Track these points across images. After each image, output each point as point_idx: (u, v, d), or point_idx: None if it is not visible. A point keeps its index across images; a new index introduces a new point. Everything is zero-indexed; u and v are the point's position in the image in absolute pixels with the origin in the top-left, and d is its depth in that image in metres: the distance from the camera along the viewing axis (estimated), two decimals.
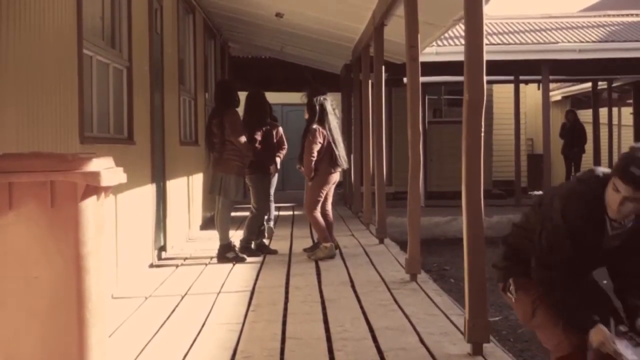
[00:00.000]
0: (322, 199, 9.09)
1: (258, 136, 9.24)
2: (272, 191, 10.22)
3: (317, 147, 8.77)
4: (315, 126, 8.85)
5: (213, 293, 7.04)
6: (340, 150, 8.96)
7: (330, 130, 8.89)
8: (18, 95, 4.50)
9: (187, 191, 11.36)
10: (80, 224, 3.52)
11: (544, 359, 7.22)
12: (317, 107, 8.94)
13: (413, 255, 7.63)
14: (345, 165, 9.22)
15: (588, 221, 3.71)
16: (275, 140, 9.94)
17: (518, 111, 19.26)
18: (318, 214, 9.04)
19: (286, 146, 10.32)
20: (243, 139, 8.74)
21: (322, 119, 8.90)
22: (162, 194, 9.33)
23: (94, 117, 6.58)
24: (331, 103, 9.22)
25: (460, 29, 12.20)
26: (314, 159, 8.81)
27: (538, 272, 3.79)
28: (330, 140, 8.85)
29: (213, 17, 14.36)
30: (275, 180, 10.33)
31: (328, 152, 8.87)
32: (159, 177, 9.13)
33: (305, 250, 9.49)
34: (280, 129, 10.32)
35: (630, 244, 3.81)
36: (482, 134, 4.94)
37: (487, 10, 5.18)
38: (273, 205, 10.75)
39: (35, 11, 4.84)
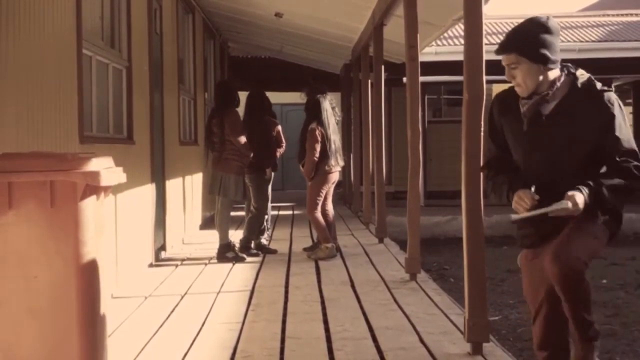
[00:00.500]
0: (321, 199, 9.10)
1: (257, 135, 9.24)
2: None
3: (319, 147, 8.80)
4: (313, 126, 8.87)
5: (213, 292, 7.04)
6: (333, 148, 8.96)
7: (325, 127, 8.91)
8: (18, 95, 4.50)
9: (187, 191, 11.37)
10: (79, 224, 3.52)
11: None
12: (313, 105, 8.99)
13: (413, 254, 7.64)
14: (341, 162, 9.23)
15: (504, 113, 4.13)
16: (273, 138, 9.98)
17: None
18: (319, 214, 9.05)
19: (284, 144, 10.33)
20: (242, 139, 8.74)
21: (319, 117, 8.92)
22: (162, 193, 9.33)
23: (93, 117, 6.58)
24: (330, 101, 9.24)
25: (459, 29, 12.22)
26: (317, 159, 8.85)
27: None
28: (325, 138, 8.88)
29: (212, 17, 14.37)
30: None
31: (324, 150, 8.89)
32: (159, 177, 9.14)
33: (305, 249, 9.49)
34: (279, 127, 10.33)
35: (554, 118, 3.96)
36: (482, 134, 4.94)
37: (487, 10, 5.18)
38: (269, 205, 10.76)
39: (35, 11, 4.85)
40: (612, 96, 3.95)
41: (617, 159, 3.86)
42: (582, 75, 4.02)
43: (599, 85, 3.98)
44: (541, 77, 3.96)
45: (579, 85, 3.97)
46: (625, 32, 18.82)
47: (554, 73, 3.98)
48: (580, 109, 3.91)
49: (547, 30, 4.03)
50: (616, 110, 3.92)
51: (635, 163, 3.87)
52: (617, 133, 3.87)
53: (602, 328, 8.28)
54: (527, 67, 3.94)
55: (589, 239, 3.90)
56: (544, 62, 3.93)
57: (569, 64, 4.09)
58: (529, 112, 4.00)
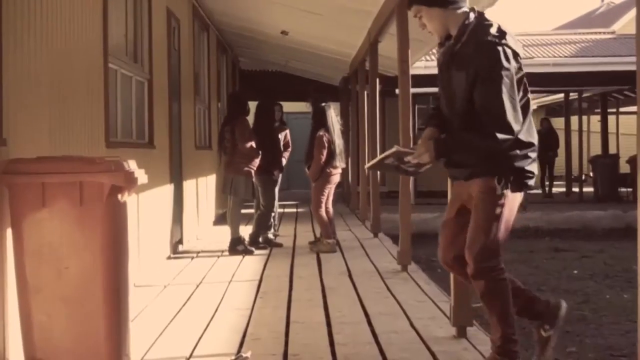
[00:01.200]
0: (325, 198, 9.13)
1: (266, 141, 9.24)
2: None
3: (325, 152, 8.85)
4: (320, 132, 8.90)
5: (225, 282, 7.04)
6: (337, 150, 9.01)
7: (331, 133, 8.95)
8: (51, 105, 4.51)
9: (202, 190, 11.37)
10: (106, 220, 3.53)
11: (521, 342, 7.23)
12: (319, 113, 9.04)
13: (404, 247, 7.64)
14: (342, 164, 9.26)
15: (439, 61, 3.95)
16: (282, 142, 10.05)
17: None
18: (323, 212, 9.08)
19: (291, 147, 10.42)
20: (249, 144, 8.75)
21: (325, 124, 8.95)
22: (179, 193, 9.33)
23: (118, 124, 6.58)
24: (334, 110, 9.30)
25: None
26: (323, 163, 8.91)
27: None
28: (331, 142, 8.92)
29: (225, 34, 14.38)
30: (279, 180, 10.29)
31: (329, 154, 8.93)
32: (177, 178, 9.14)
33: (310, 243, 9.48)
34: (287, 131, 10.40)
35: (450, 63, 3.81)
36: None
37: None
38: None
39: (66, 30, 4.85)
40: (491, 46, 3.66)
41: (482, 114, 3.66)
42: (482, 19, 3.77)
43: (490, 32, 3.69)
44: (447, 21, 3.78)
45: (477, 29, 3.73)
46: (594, 49, 18.83)
47: (462, 16, 3.76)
48: (468, 55, 3.69)
49: None
50: (489, 62, 3.64)
51: (492, 119, 3.64)
52: (480, 85, 3.64)
53: (573, 314, 8.30)
54: (427, 13, 3.81)
55: (487, 230, 3.75)
56: (439, 5, 3.76)
57: (480, 12, 3.85)
58: (441, 57, 3.90)
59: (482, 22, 3.74)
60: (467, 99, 3.69)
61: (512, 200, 3.81)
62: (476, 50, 3.66)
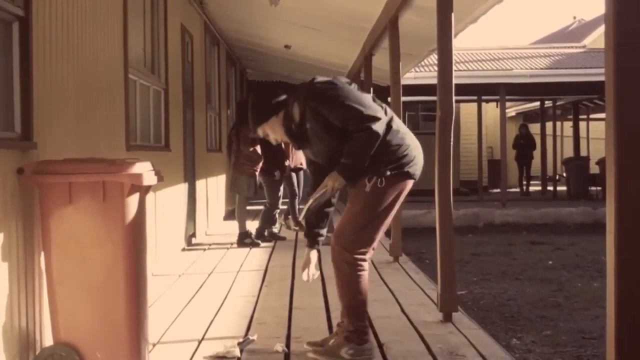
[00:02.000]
0: None
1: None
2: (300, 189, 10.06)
3: None
4: None
5: (233, 272, 7.04)
6: None
7: None
8: (77, 112, 4.50)
9: (213, 189, 11.37)
10: (126, 216, 3.52)
11: (501, 326, 7.23)
12: None
13: (396, 241, 7.64)
14: None
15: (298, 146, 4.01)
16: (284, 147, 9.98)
17: (480, 125, 19.28)
18: None
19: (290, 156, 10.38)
20: (249, 148, 8.77)
21: None
22: (193, 191, 9.33)
23: (137, 129, 6.58)
24: None
25: (433, 58, 12.20)
26: None
27: None
28: None
29: (234, 48, 14.38)
30: (301, 180, 10.11)
31: None
32: (190, 178, 9.14)
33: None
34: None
35: (305, 138, 3.87)
36: (451, 144, 4.93)
37: (456, 42, 5.16)
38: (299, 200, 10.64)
39: (91, 45, 4.85)
40: (317, 88, 3.75)
41: (348, 127, 3.65)
42: (301, 92, 3.83)
43: (308, 90, 3.78)
44: (278, 124, 3.88)
45: (302, 102, 3.79)
46: (567, 61, 18.84)
47: (291, 101, 3.84)
48: (307, 120, 3.76)
49: (260, 100, 3.95)
50: (322, 100, 3.70)
51: (356, 121, 3.63)
52: (331, 116, 3.68)
53: (548, 301, 8.30)
54: (269, 126, 3.91)
55: (352, 220, 3.76)
56: (273, 114, 3.87)
57: (298, 88, 3.92)
58: (295, 146, 4.03)
59: (305, 92, 3.79)
60: (334, 141, 3.72)
61: (384, 197, 3.75)
62: (310, 108, 3.73)
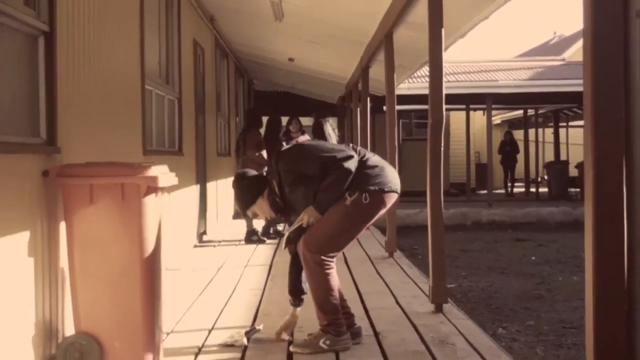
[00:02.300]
0: None
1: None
2: None
3: None
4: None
5: (241, 266, 7.03)
6: None
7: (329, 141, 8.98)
8: (97, 119, 4.51)
9: (222, 190, 11.36)
10: (142, 215, 3.51)
11: (488, 316, 7.22)
12: (318, 126, 9.06)
13: (391, 238, 7.63)
14: None
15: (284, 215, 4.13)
16: None
17: (468, 131, 19.28)
18: None
19: None
20: (253, 152, 8.79)
21: (323, 135, 8.96)
22: (204, 192, 9.33)
23: (153, 135, 6.58)
24: (331, 124, 9.29)
25: (425, 70, 12.20)
26: None
27: None
28: None
29: (242, 61, 14.38)
30: None
31: None
32: (202, 180, 9.14)
33: None
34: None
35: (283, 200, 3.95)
36: (442, 149, 4.93)
37: (446, 56, 5.16)
38: None
39: (110, 57, 4.85)
40: (284, 153, 3.90)
41: (325, 169, 3.73)
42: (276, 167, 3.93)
43: (284, 151, 3.94)
44: (265, 202, 3.95)
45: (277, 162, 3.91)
46: (547, 73, 18.84)
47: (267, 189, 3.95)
48: (285, 177, 3.86)
49: (246, 184, 4.02)
50: (298, 155, 3.84)
51: (331, 164, 3.71)
52: (311, 163, 3.76)
53: (531, 293, 8.29)
54: (257, 206, 3.98)
55: (323, 228, 3.77)
56: (259, 196, 3.95)
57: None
58: (283, 216, 4.13)
59: (276, 159, 3.92)
60: (313, 184, 3.78)
61: (359, 212, 3.78)
62: (284, 165, 3.86)
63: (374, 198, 3.77)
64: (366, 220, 3.85)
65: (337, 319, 3.84)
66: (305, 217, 3.80)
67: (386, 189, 3.80)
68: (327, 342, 3.80)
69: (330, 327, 3.81)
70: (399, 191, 3.90)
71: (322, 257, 3.78)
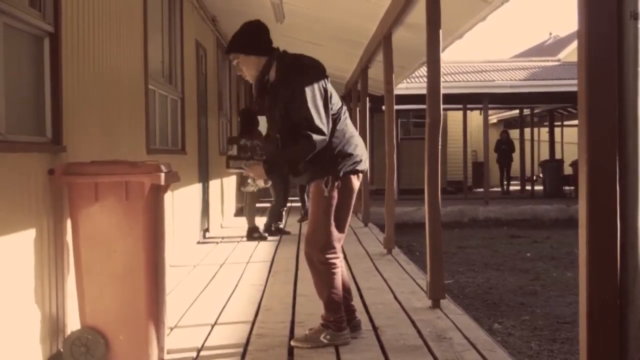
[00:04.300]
0: None
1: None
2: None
3: None
4: None
5: (243, 262, 7.04)
6: None
7: None
8: (102, 119, 4.51)
9: (224, 188, 11.36)
10: (146, 212, 3.52)
11: (484, 311, 7.23)
12: None
13: (389, 235, 7.64)
14: None
15: (258, 95, 3.81)
16: None
17: (465, 130, 19.28)
18: None
19: None
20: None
21: None
22: (206, 190, 9.33)
23: (156, 134, 6.58)
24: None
25: (423, 70, 12.19)
26: None
27: None
28: None
29: None
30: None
31: None
32: (204, 178, 9.13)
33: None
34: None
35: (270, 99, 3.78)
36: (439, 147, 4.93)
37: (443, 56, 5.16)
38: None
39: (114, 58, 4.85)
40: (294, 71, 3.66)
41: (297, 124, 3.61)
42: (287, 56, 3.77)
43: (297, 63, 3.73)
44: (257, 67, 3.72)
45: (283, 66, 3.72)
46: (543, 74, 18.85)
47: (263, 61, 3.73)
48: (278, 86, 3.69)
49: (251, 29, 3.80)
50: (296, 83, 3.61)
51: (305, 126, 3.57)
52: (291, 103, 3.61)
53: (526, 289, 8.30)
54: (243, 59, 3.75)
55: (319, 224, 3.71)
56: (252, 53, 3.72)
57: (284, 51, 3.81)
58: (255, 93, 3.85)
59: (290, 60, 3.74)
60: (285, 119, 3.67)
61: (341, 198, 3.73)
62: (285, 78, 3.67)
63: (345, 182, 3.73)
64: (348, 205, 3.80)
65: (341, 317, 3.85)
66: (251, 174, 3.75)
67: (359, 169, 3.76)
68: (328, 337, 3.81)
69: (332, 324, 3.82)
70: (366, 170, 3.86)
71: (327, 256, 3.75)
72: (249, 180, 6.22)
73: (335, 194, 3.71)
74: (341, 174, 3.70)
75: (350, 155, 3.74)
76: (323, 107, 3.65)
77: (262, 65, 3.75)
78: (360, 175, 3.82)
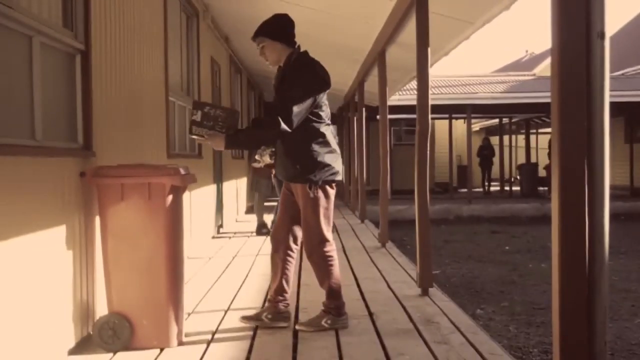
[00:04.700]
0: None
1: None
2: None
3: None
4: None
5: (253, 255, 7.03)
6: None
7: None
8: (127, 127, 4.51)
9: (237, 188, 11.36)
10: (167, 210, 3.52)
11: (468, 299, 7.22)
12: None
13: (383, 230, 7.63)
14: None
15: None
16: None
17: (451, 137, 19.27)
18: None
19: None
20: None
21: None
22: (220, 190, 9.33)
23: (176, 141, 6.58)
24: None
25: (413, 84, 12.21)
26: None
27: None
28: None
29: (253, 76, 14.37)
30: None
31: None
32: (218, 179, 9.13)
33: None
34: None
35: (276, 82, 3.73)
36: (428, 152, 4.93)
37: (431, 71, 5.16)
38: None
39: (138, 72, 4.85)
40: (305, 67, 3.57)
41: (276, 96, 3.57)
42: (306, 55, 3.70)
43: (307, 59, 3.65)
44: (280, 54, 3.67)
45: (299, 59, 3.67)
46: (520, 87, 18.82)
47: (286, 51, 3.68)
48: (286, 72, 3.64)
49: (282, 20, 3.73)
50: (300, 73, 3.53)
51: (280, 104, 3.49)
52: (287, 84, 3.55)
53: (505, 279, 8.28)
54: (269, 44, 3.68)
55: (311, 223, 3.67)
56: (278, 40, 3.65)
57: (306, 51, 3.73)
58: (274, 80, 3.79)
59: (307, 58, 3.69)
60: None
61: (325, 199, 3.70)
62: (295, 68, 3.60)
63: (326, 191, 3.69)
64: (330, 205, 3.74)
65: (341, 303, 3.85)
66: (209, 142, 3.58)
67: (337, 179, 3.71)
68: (329, 322, 3.81)
69: (334, 310, 3.81)
70: (341, 180, 3.80)
71: (325, 250, 3.74)
72: (256, 156, 6.21)
73: (320, 194, 3.69)
74: (320, 182, 3.66)
75: (330, 166, 3.69)
76: (307, 105, 3.57)
77: (286, 54, 3.69)
78: (335, 186, 3.76)
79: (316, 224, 3.71)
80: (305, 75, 3.61)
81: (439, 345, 3.47)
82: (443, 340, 3.58)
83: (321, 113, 3.71)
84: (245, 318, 3.96)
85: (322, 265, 3.78)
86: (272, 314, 3.92)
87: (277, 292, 3.93)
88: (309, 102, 3.58)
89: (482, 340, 3.61)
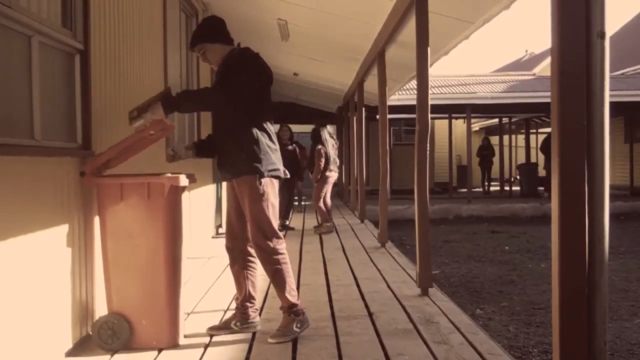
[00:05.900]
0: (324, 194, 9.14)
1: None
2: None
3: (323, 160, 9.02)
4: (319, 147, 9.06)
5: None
6: (330, 159, 9.19)
7: (326, 146, 9.16)
8: (126, 126, 4.50)
9: None
10: (166, 210, 3.52)
11: (467, 298, 7.22)
12: (315, 133, 9.30)
13: (383, 230, 7.63)
14: (336, 169, 9.38)
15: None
16: (299, 157, 10.15)
17: (450, 137, 19.28)
18: (321, 203, 9.10)
19: (301, 161, 10.50)
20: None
21: (320, 141, 9.15)
22: (220, 190, 9.33)
23: (175, 141, 6.57)
24: (328, 131, 9.38)
25: (413, 84, 12.21)
26: (322, 168, 9.06)
27: None
28: (326, 153, 9.12)
29: None
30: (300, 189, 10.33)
31: (325, 161, 9.06)
32: (217, 180, 9.13)
33: (314, 227, 9.49)
34: (304, 150, 10.62)
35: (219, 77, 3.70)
36: (427, 152, 4.93)
37: (431, 71, 5.16)
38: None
39: (138, 73, 4.85)
40: (250, 59, 3.56)
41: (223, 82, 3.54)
42: (248, 50, 3.69)
43: (249, 53, 3.64)
44: (222, 53, 3.68)
45: (242, 54, 3.65)
46: (519, 86, 18.82)
47: (226, 49, 3.70)
48: (228, 65, 3.62)
49: (212, 22, 3.76)
50: (241, 62, 3.53)
51: (227, 87, 3.49)
52: (229, 75, 3.54)
53: (505, 278, 8.29)
54: (209, 48, 3.68)
55: (260, 217, 3.58)
56: (217, 41, 3.68)
57: (247, 47, 3.73)
58: (215, 76, 3.77)
59: (246, 49, 3.68)
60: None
61: (272, 194, 3.65)
62: (239, 61, 3.58)
63: (270, 183, 3.63)
64: (276, 198, 3.68)
65: (296, 303, 3.71)
66: (158, 111, 3.52)
67: (278, 175, 3.68)
68: (298, 325, 3.67)
69: (293, 309, 3.68)
70: (282, 176, 3.75)
71: (276, 248, 3.63)
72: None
73: (268, 189, 3.61)
74: (266, 174, 3.59)
75: (272, 162, 3.63)
76: (253, 89, 3.54)
77: (226, 52, 3.69)
78: (276, 181, 3.69)
79: (265, 221, 3.60)
80: (252, 65, 3.59)
81: (439, 345, 3.47)
82: (443, 340, 3.58)
83: (265, 108, 3.65)
84: (212, 329, 3.84)
85: (273, 263, 3.65)
86: (241, 321, 3.84)
87: (244, 300, 3.86)
88: (255, 87, 3.56)
89: (482, 340, 3.60)
